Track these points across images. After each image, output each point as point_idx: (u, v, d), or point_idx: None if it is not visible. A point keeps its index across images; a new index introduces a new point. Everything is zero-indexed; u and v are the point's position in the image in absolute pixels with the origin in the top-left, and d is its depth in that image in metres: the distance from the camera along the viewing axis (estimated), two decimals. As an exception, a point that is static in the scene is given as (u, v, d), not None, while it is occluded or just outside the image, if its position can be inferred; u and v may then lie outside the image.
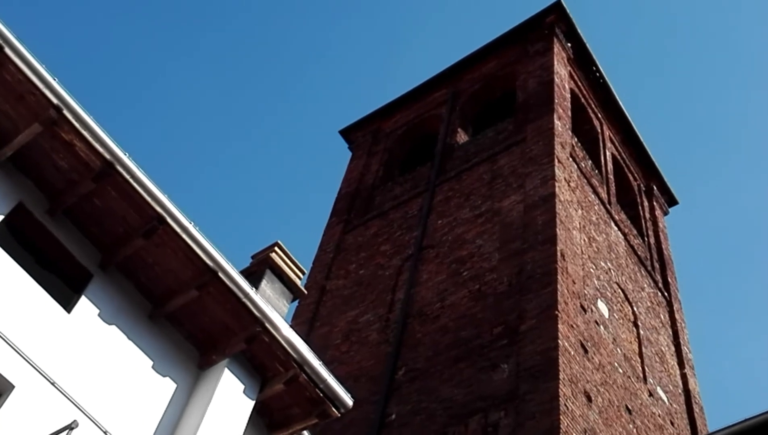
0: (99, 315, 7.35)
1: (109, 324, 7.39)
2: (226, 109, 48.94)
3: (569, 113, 17.99)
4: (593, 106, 20.08)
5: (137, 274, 7.80)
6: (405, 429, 11.88)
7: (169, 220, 7.46)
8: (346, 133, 22.08)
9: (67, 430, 6.31)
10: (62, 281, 7.33)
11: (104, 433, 6.80)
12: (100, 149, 7.21)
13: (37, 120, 7.14)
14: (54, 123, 7.12)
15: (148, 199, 7.39)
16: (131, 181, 7.35)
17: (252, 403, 7.78)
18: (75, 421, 6.41)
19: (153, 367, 7.51)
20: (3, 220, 7.05)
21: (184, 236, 7.51)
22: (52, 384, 6.66)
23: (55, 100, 7.04)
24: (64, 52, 42.18)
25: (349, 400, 8.11)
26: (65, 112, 7.08)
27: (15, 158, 7.32)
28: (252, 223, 48.01)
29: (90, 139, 7.18)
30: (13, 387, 6.42)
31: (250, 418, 7.75)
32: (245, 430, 7.65)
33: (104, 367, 7.12)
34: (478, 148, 17.79)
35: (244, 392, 7.73)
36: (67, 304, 7.19)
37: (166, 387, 7.51)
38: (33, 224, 7.36)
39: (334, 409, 8.02)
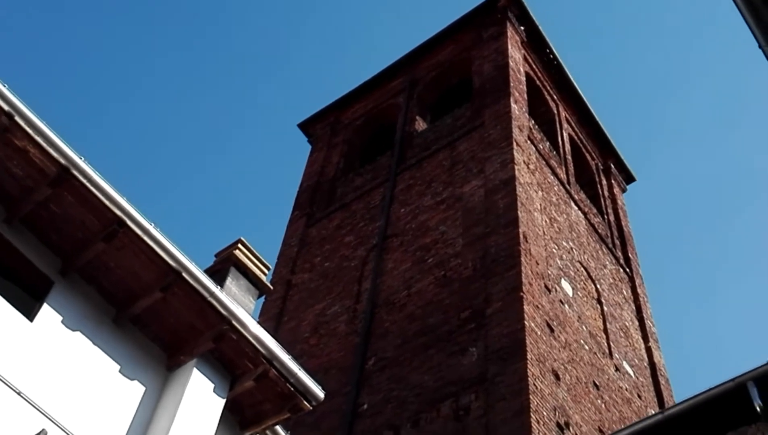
0: (62, 322, 7.26)
1: (74, 330, 7.30)
2: (183, 107, 48.47)
3: (525, 96, 18.15)
4: (548, 88, 20.28)
5: (99, 278, 7.71)
6: (378, 418, 11.95)
7: (128, 222, 7.38)
8: (305, 127, 22.03)
9: (36, 440, 6.25)
10: (23, 290, 7.22)
11: (74, 440, 6.74)
12: (55, 154, 7.11)
13: (-13, 128, 7.01)
14: (6, 130, 7.00)
15: (107, 202, 7.31)
16: (88, 185, 7.25)
17: (223, 401, 7.75)
18: (44, 430, 6.35)
19: (120, 371, 7.45)
20: (-42, 231, 6.93)
21: (145, 238, 7.44)
22: (18, 394, 6.57)
23: (5, 107, 6.92)
24: (11, 58, 41.37)
25: (320, 393, 8.12)
26: (17, 118, 6.96)
27: (-33, 168, 7.19)
28: (214, 221, 47.69)
29: (44, 144, 7.07)
30: (-22, 399, 6.33)
31: (221, 416, 7.72)
32: (217, 429, 7.63)
33: (71, 373, 7.04)
34: (437, 135, 17.87)
35: (214, 391, 7.71)
36: (29, 313, 7.09)
37: (135, 390, 7.46)
38: (-10, 234, 7.24)
39: (305, 403, 8.02)
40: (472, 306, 12.58)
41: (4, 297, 6.94)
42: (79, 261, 7.57)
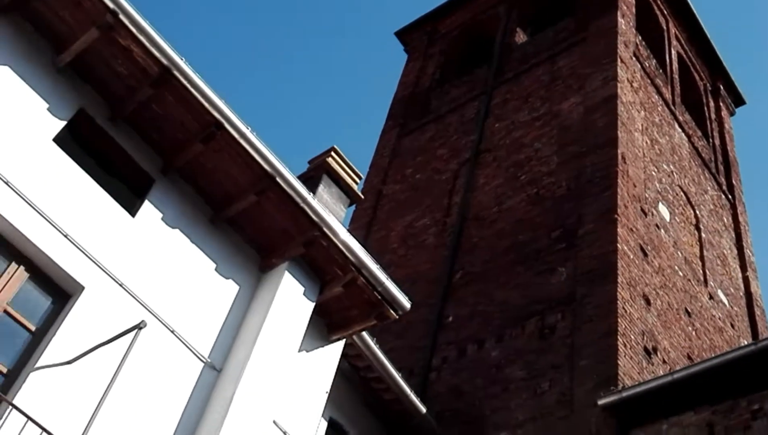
0: (162, 219, 7.50)
1: (173, 228, 7.55)
2: (281, 14, 48.41)
3: (633, 10, 17.30)
4: (659, 1, 19.24)
5: (197, 179, 7.90)
6: (462, 331, 12.05)
7: (226, 125, 7.48)
8: (402, 35, 21.65)
9: (135, 330, 6.56)
10: (125, 186, 7.48)
11: (171, 332, 7.05)
12: (157, 54, 7.20)
13: (94, 25, 7.14)
14: (111, 28, 7.12)
15: (206, 104, 7.41)
16: (188, 86, 7.35)
17: (312, 304, 7.94)
18: (143, 321, 6.64)
19: (216, 269, 7.69)
20: (66, 126, 7.17)
21: (242, 142, 7.54)
22: (120, 285, 6.88)
23: (111, 5, 7.01)
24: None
25: (406, 303, 8.21)
26: (121, 16, 7.06)
27: (74, 64, 7.37)
28: (308, 128, 48.11)
29: (146, 44, 7.17)
30: (83, 288, 6.66)
31: (310, 319, 7.93)
32: (306, 331, 7.84)
33: (169, 269, 7.32)
34: (537, 48, 17.30)
35: (304, 294, 7.89)
36: (131, 209, 7.35)
37: (229, 288, 7.71)
38: (95, 130, 7.47)
39: (392, 311, 8.14)
40: (564, 226, 12.37)
41: (109, 192, 7.20)
42: (178, 161, 7.76)
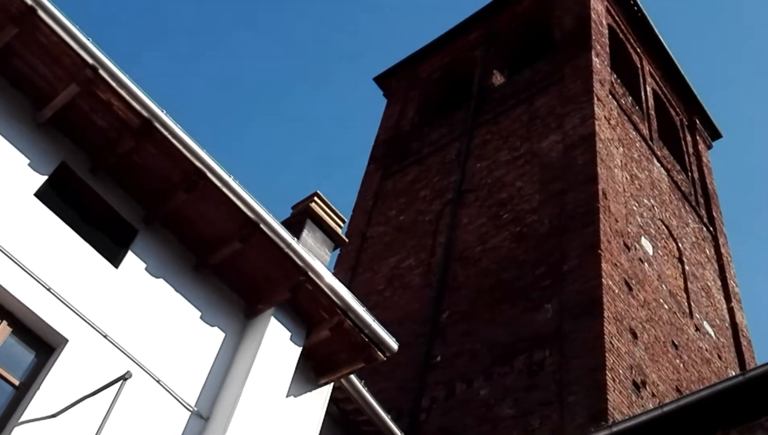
0: (146, 269, 7.50)
1: (157, 277, 7.54)
2: (262, 61, 48.89)
3: (607, 49, 17.63)
4: (632, 40, 19.63)
5: (181, 228, 7.91)
6: (451, 370, 12.03)
7: (209, 174, 7.53)
8: (381, 80, 21.95)
9: (121, 381, 6.51)
10: (108, 238, 7.48)
11: (157, 381, 7.00)
12: (138, 107, 7.28)
13: (74, 80, 7.22)
14: (91, 82, 7.20)
15: (187, 154, 7.45)
16: (170, 137, 7.40)
17: (299, 349, 7.92)
18: (128, 371, 6.60)
19: (201, 317, 7.68)
20: (47, 180, 7.20)
21: (225, 190, 7.59)
22: (105, 337, 6.85)
23: (90, 60, 7.10)
24: (96, 12, 42.36)
25: (394, 344, 8.20)
26: (101, 71, 7.15)
27: (55, 119, 7.43)
28: (291, 174, 48.28)
29: (127, 97, 7.24)
30: (67, 341, 6.62)
31: (297, 364, 7.90)
32: (293, 376, 7.81)
33: (154, 319, 7.29)
34: (515, 89, 17.57)
35: (290, 339, 7.87)
36: (115, 260, 7.35)
37: (215, 336, 7.69)
38: (77, 183, 7.49)
39: (379, 353, 8.12)
40: (548, 262, 12.45)
41: (91, 244, 7.21)
42: (161, 210, 7.78)
